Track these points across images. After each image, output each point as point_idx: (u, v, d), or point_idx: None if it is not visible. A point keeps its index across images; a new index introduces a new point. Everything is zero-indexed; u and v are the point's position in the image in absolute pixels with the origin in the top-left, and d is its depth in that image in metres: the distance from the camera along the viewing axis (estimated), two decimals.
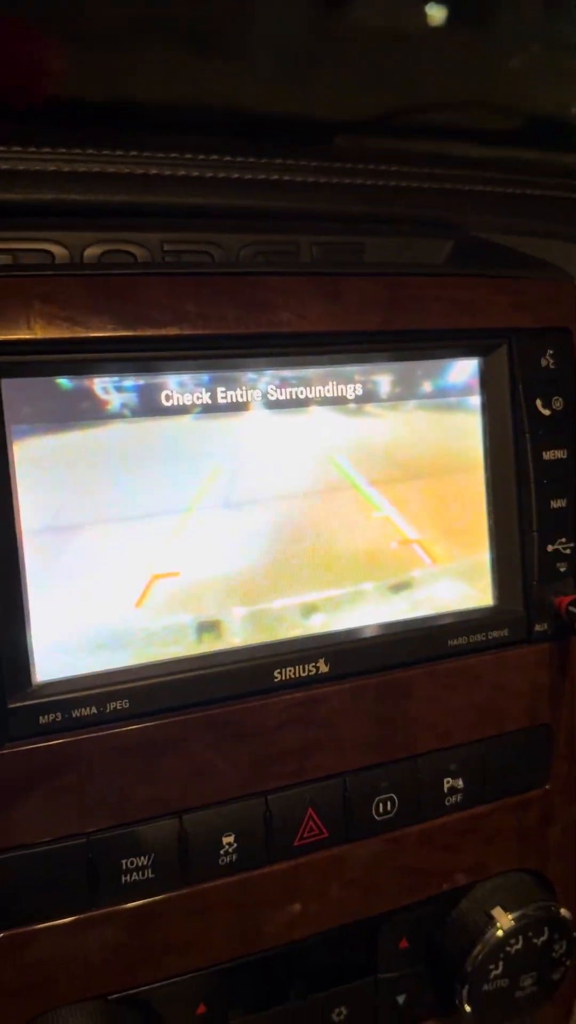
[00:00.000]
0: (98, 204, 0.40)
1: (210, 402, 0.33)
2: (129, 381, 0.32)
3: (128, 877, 0.32)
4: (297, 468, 0.35)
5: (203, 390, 0.33)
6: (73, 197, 0.39)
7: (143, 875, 0.32)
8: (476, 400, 0.37)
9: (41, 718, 0.30)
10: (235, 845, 0.33)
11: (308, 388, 0.34)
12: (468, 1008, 0.39)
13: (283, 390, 0.34)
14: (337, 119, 0.49)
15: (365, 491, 0.36)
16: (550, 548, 0.38)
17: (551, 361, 0.38)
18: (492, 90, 0.54)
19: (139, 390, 0.32)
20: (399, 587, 0.37)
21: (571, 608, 0.37)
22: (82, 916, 0.31)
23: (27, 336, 0.30)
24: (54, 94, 0.41)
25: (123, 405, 0.32)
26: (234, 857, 0.33)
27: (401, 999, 0.39)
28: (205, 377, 0.33)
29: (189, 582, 0.33)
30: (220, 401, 0.33)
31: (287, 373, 0.34)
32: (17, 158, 0.38)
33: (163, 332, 0.32)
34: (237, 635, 0.34)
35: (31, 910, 0.31)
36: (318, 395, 0.35)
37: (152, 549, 0.32)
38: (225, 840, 0.33)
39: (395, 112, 0.51)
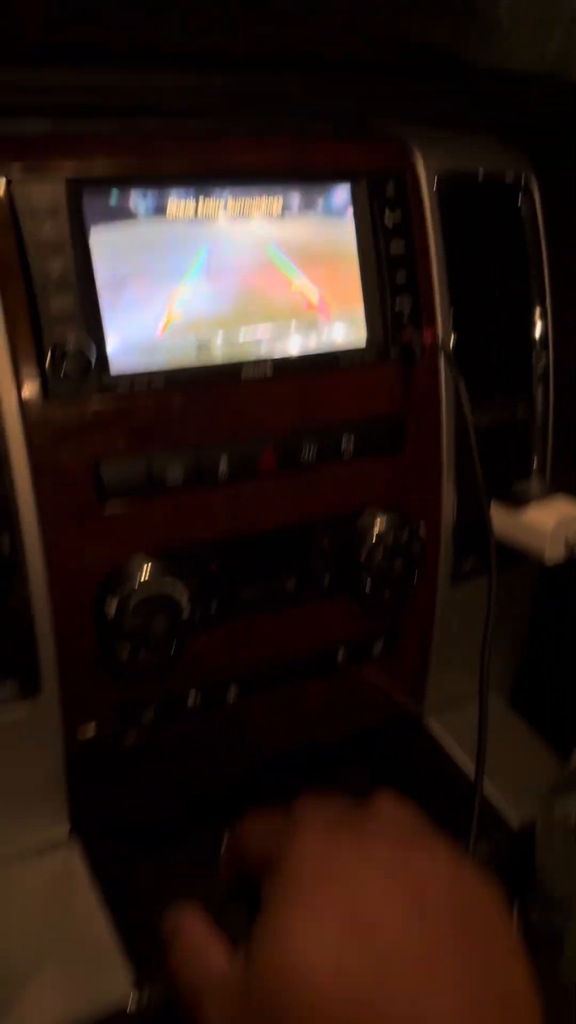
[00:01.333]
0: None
1: (195, 213, 0.57)
2: (150, 196, 0.56)
3: (169, 479, 0.57)
4: (247, 253, 0.59)
5: (191, 202, 0.57)
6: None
7: (177, 477, 0.57)
8: (350, 212, 0.63)
9: (118, 387, 0.55)
10: (227, 465, 0.59)
11: (252, 204, 0.59)
12: (367, 586, 0.66)
13: (236, 205, 0.58)
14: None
15: (289, 269, 0.61)
16: (396, 307, 0.64)
17: (391, 190, 0.63)
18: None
19: (155, 202, 0.56)
20: (310, 328, 0.62)
21: (410, 339, 0.64)
22: (143, 497, 0.56)
23: (97, 174, 0.54)
24: None
25: (147, 210, 0.56)
26: (228, 473, 0.59)
27: (325, 580, 0.66)
28: (192, 193, 0.57)
29: (189, 320, 0.58)
30: (200, 213, 0.57)
31: (239, 192, 0.58)
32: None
33: (170, 168, 0.56)
34: (219, 351, 0.59)
35: (115, 492, 0.55)
36: (257, 209, 0.59)
37: (167, 298, 0.57)
38: (221, 462, 0.58)
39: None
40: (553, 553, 0.68)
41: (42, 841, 0.63)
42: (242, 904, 0.41)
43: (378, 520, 0.65)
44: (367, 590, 0.66)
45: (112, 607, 0.55)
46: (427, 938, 0.32)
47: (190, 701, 0.63)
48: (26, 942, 0.57)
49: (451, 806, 0.72)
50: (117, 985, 0.54)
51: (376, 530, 0.64)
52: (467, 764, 0.75)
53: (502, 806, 0.71)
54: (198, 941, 0.38)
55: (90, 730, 0.60)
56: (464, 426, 0.66)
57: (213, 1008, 0.35)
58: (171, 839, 0.71)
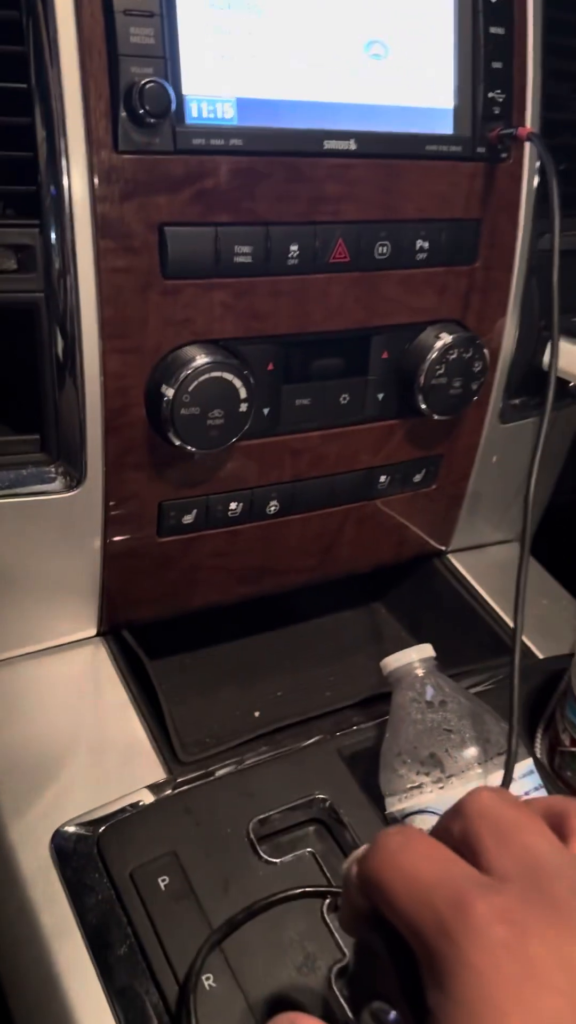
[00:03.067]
0: None
1: None
2: None
3: (236, 258, 0.52)
4: (341, 18, 0.53)
5: None
6: None
7: (246, 258, 0.53)
8: None
9: (192, 140, 0.49)
10: (297, 252, 0.54)
11: None
12: (423, 403, 0.63)
13: None
14: None
15: (384, 41, 0.55)
16: (490, 95, 0.58)
17: None
18: None
19: None
20: (398, 108, 0.56)
21: (499, 136, 0.59)
22: (207, 277, 0.52)
23: None
24: None
25: None
26: (297, 261, 0.54)
27: (380, 396, 0.63)
28: None
29: (273, 78, 0.52)
30: None
31: None
32: None
33: None
34: (302, 117, 0.53)
35: (180, 267, 0.51)
36: None
37: (252, 50, 0.51)
38: (291, 247, 0.54)
39: None
40: None
41: (72, 639, 0.62)
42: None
43: (442, 335, 0.61)
44: (421, 410, 0.63)
45: (170, 391, 0.52)
46: None
47: (232, 509, 0.61)
48: (60, 731, 0.56)
49: (474, 634, 0.72)
50: (149, 772, 0.54)
51: (439, 345, 0.61)
52: (488, 597, 0.75)
53: (528, 639, 0.71)
54: None
55: (129, 526, 0.58)
56: (540, 243, 0.62)
57: None
58: (189, 647, 0.70)
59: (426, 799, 0.50)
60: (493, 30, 0.57)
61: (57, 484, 0.54)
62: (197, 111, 0.50)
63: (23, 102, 0.46)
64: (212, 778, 0.53)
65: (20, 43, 0.46)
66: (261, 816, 0.50)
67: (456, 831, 0.29)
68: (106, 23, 0.46)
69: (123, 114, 0.47)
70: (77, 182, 0.47)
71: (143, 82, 0.46)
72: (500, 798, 0.30)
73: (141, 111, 0.46)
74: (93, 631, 0.62)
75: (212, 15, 0.49)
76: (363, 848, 0.31)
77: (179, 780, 0.53)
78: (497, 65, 0.58)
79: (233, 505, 0.61)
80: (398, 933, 0.28)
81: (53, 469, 0.54)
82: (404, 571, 0.78)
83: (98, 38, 0.46)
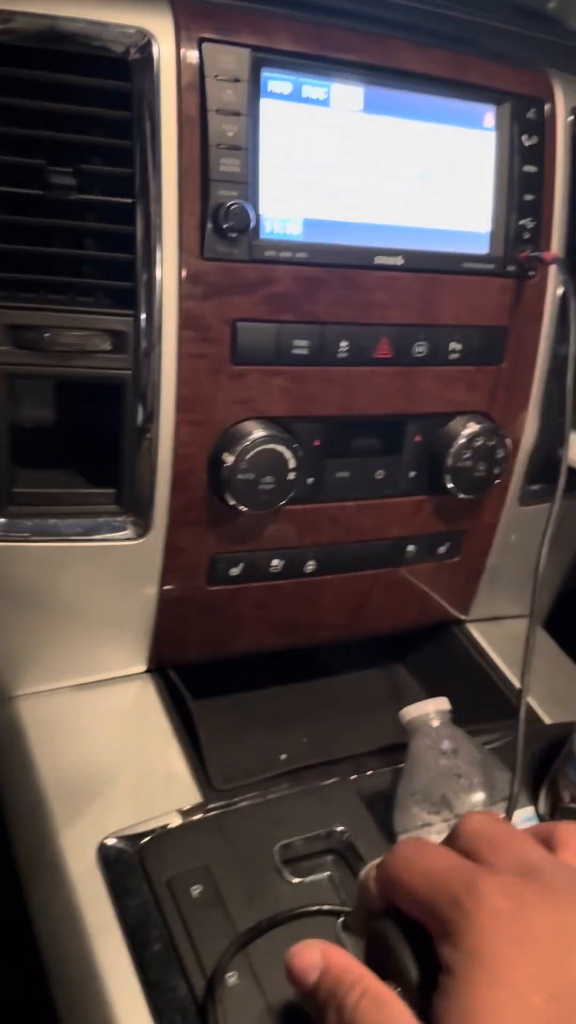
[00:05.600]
0: None
1: (354, 106, 0.61)
2: (319, 81, 0.59)
3: (294, 350, 0.61)
4: (395, 153, 0.63)
5: (353, 95, 0.60)
6: None
7: (302, 351, 0.61)
8: (494, 130, 0.66)
9: (266, 252, 0.58)
10: (347, 347, 0.63)
11: (405, 107, 0.62)
12: (450, 483, 0.71)
13: (392, 106, 0.62)
14: None
15: (431, 174, 0.64)
16: (521, 223, 0.67)
17: (532, 114, 0.66)
18: None
19: (322, 87, 0.59)
20: (439, 231, 0.66)
21: (528, 257, 0.67)
22: (268, 365, 0.61)
23: (278, 47, 0.57)
24: None
25: (313, 93, 0.59)
26: (346, 355, 0.63)
27: (412, 474, 0.71)
28: (355, 86, 0.60)
29: (333, 202, 0.61)
30: (359, 106, 0.61)
31: (396, 94, 0.62)
32: None
33: (341, 56, 0.59)
34: (357, 237, 0.62)
35: (247, 357, 0.60)
36: (410, 113, 0.63)
37: (318, 179, 0.60)
38: (341, 344, 0.62)
39: None
40: None
41: (123, 673, 0.69)
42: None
43: (470, 424, 0.69)
44: (447, 488, 0.70)
45: (230, 457, 0.60)
46: None
47: (274, 565, 0.68)
48: (108, 755, 0.63)
49: (486, 697, 0.78)
50: (187, 797, 0.60)
51: (466, 432, 0.69)
52: (502, 665, 0.81)
53: (539, 707, 0.77)
54: (375, 992, 0.32)
55: (183, 574, 0.65)
56: (560, 350, 0.70)
57: None
58: (227, 691, 0.76)
59: (435, 837, 0.56)
60: (526, 168, 0.67)
61: (126, 533, 0.62)
62: (270, 227, 0.59)
63: (128, 214, 0.56)
64: (243, 805, 0.59)
65: (130, 166, 0.55)
66: (286, 842, 0.56)
67: (456, 848, 0.35)
68: (201, 154, 0.56)
69: (210, 228, 0.56)
70: (168, 281, 0.56)
71: (229, 203, 0.55)
72: (491, 818, 0.36)
73: (225, 226, 0.56)
74: (143, 667, 0.69)
75: (289, 148, 0.59)
76: (379, 858, 0.37)
77: (213, 805, 0.59)
78: (529, 197, 0.67)
79: (275, 562, 0.68)
80: (407, 922, 0.34)
81: (124, 520, 0.61)
82: (425, 636, 0.84)
83: (194, 166, 0.56)
